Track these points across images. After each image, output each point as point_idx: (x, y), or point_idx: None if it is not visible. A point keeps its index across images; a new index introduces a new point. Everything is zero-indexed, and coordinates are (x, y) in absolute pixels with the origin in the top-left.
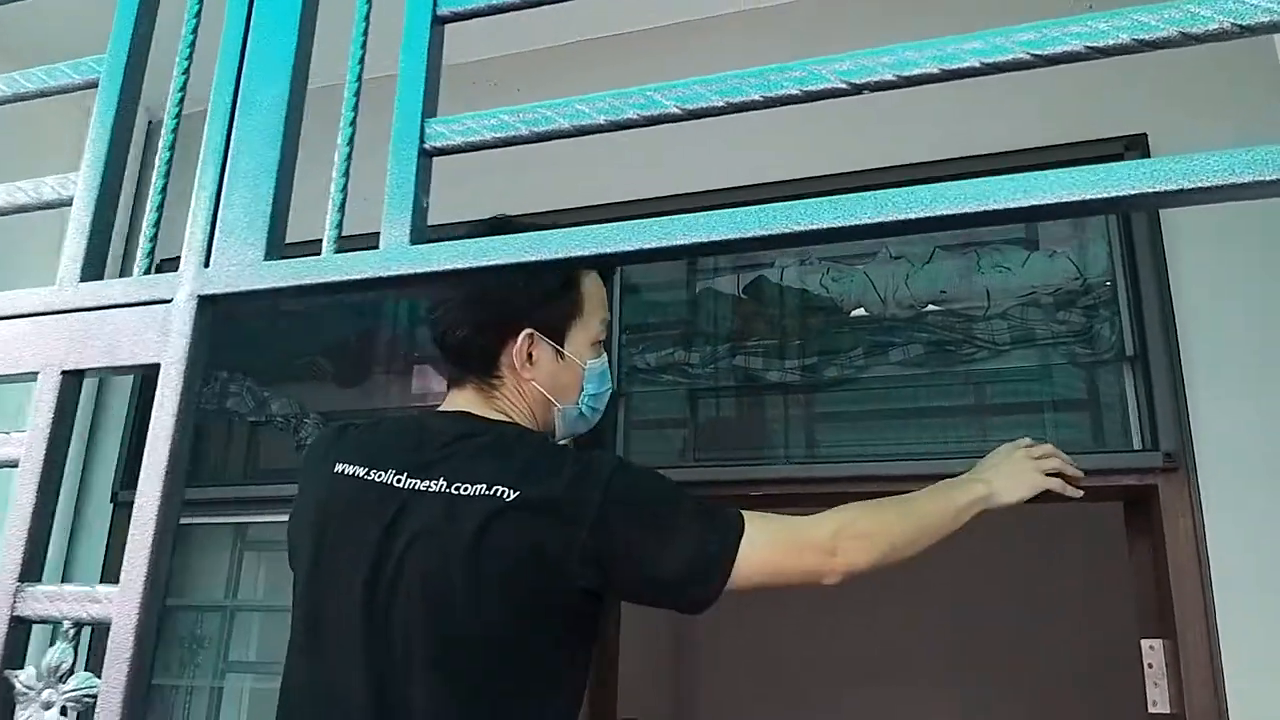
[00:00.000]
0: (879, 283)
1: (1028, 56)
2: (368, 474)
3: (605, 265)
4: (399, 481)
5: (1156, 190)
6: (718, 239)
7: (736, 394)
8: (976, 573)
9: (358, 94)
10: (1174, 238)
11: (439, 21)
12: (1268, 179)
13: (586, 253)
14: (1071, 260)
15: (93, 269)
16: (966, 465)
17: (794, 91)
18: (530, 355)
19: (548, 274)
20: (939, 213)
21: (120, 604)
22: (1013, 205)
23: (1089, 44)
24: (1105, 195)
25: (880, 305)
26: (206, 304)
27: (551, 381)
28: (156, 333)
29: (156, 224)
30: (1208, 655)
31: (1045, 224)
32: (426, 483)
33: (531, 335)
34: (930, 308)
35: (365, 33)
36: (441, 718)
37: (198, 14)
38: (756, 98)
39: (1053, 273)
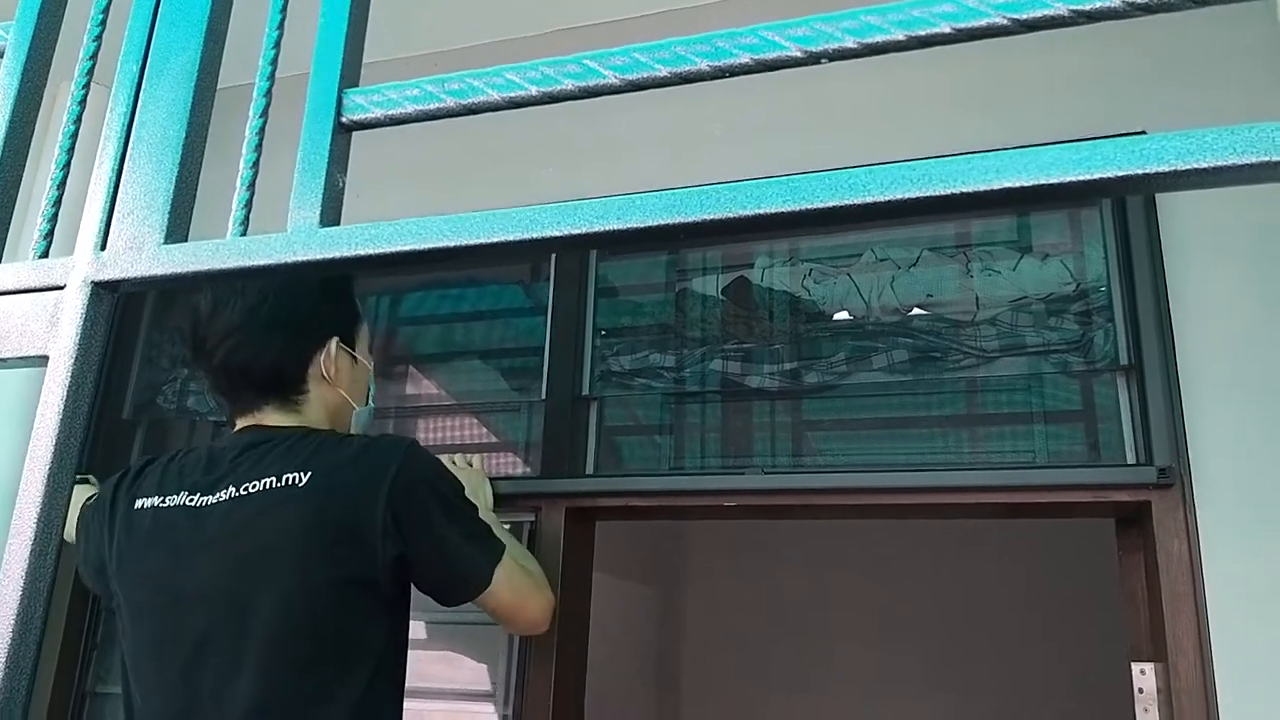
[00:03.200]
0: (863, 286)
1: (1005, 21)
2: (162, 502)
3: (538, 254)
4: (191, 501)
5: (1147, 172)
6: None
7: (707, 400)
8: (956, 591)
9: (274, 62)
10: (1172, 241)
11: None
12: (1273, 159)
13: (518, 236)
14: (1065, 265)
15: None
16: (951, 476)
17: (745, 60)
18: (336, 364)
19: (338, 282)
20: (897, 197)
21: None
22: (983, 189)
23: (1074, 7)
24: (1091, 177)
25: (864, 309)
26: (101, 290)
27: (350, 386)
28: (46, 322)
29: (56, 203)
30: (1201, 681)
31: (1038, 227)
32: (217, 494)
33: (337, 343)
34: (916, 312)
35: None
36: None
37: None
38: (704, 67)
39: (1045, 277)
